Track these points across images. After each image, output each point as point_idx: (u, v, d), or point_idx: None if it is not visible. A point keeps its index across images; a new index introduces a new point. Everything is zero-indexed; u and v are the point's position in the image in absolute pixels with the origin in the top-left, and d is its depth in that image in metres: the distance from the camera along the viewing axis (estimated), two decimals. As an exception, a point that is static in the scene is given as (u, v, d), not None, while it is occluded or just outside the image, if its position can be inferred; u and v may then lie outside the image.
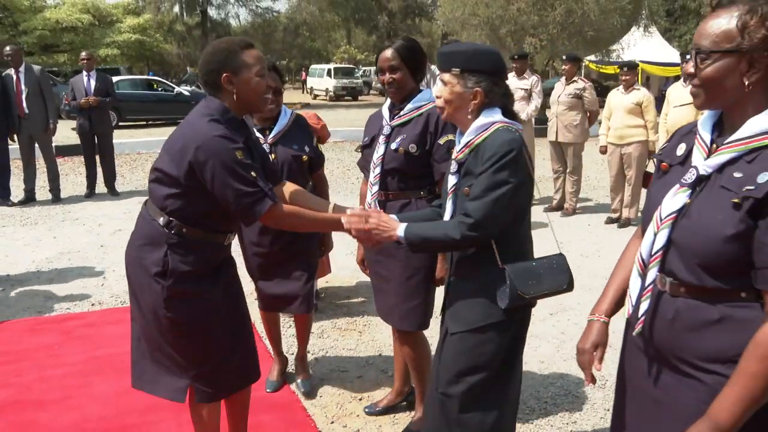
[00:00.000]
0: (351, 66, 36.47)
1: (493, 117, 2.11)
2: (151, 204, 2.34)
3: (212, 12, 34.15)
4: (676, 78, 16.08)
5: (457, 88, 2.12)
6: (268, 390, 3.43)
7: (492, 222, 2.02)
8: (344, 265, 5.45)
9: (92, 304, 4.74)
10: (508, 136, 2.05)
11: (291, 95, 32.69)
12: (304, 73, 35.91)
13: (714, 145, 1.54)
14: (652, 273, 1.58)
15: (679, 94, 6.71)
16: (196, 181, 2.20)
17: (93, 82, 8.47)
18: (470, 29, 17.71)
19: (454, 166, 2.20)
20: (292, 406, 3.31)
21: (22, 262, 5.73)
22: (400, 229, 2.15)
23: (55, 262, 5.77)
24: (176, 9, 33.78)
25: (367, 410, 3.25)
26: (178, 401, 2.43)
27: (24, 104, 7.95)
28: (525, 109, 7.73)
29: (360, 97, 32.15)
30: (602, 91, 14.63)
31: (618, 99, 7.00)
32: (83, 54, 8.80)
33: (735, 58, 1.44)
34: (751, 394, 1.40)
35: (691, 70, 1.52)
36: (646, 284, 1.60)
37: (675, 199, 1.54)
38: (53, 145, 8.60)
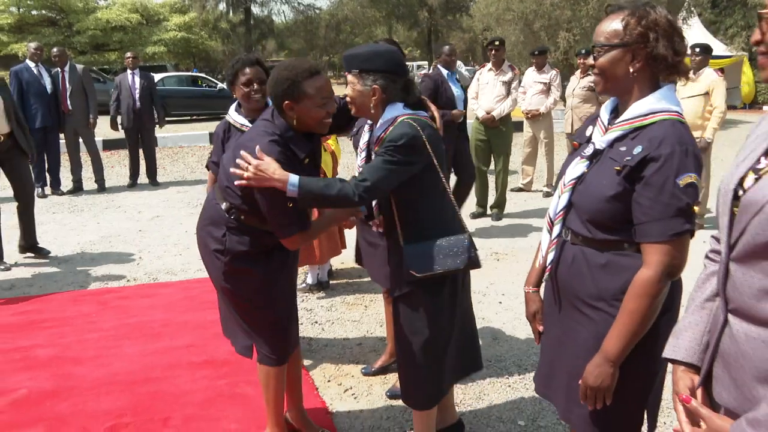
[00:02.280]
0: (392, 61, 36.70)
1: (396, 112, 2.36)
2: (217, 189, 2.59)
3: (256, 9, 34.85)
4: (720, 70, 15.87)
5: (357, 86, 2.37)
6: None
7: (378, 184, 2.23)
8: (359, 248, 5.81)
9: (127, 281, 5.24)
10: (402, 129, 2.27)
11: (335, 90, 32.97)
12: (346, 69, 36.25)
13: (610, 126, 1.87)
14: (557, 228, 1.94)
15: (686, 87, 6.86)
16: (248, 189, 2.38)
17: (138, 80, 9.03)
18: (505, 24, 17.85)
19: (373, 158, 2.44)
20: (295, 367, 3.68)
21: (69, 244, 6.30)
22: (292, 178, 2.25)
23: (97, 245, 6.31)
24: (221, 7, 34.51)
25: (363, 371, 3.62)
26: (247, 357, 2.78)
27: (68, 101, 8.50)
28: (544, 103, 7.99)
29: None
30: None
31: (632, 92, 7.18)
32: (128, 54, 9.33)
33: (621, 50, 1.78)
34: (630, 327, 1.74)
35: (591, 61, 1.87)
36: (552, 237, 1.95)
37: (575, 168, 1.89)
38: (99, 139, 9.16)
